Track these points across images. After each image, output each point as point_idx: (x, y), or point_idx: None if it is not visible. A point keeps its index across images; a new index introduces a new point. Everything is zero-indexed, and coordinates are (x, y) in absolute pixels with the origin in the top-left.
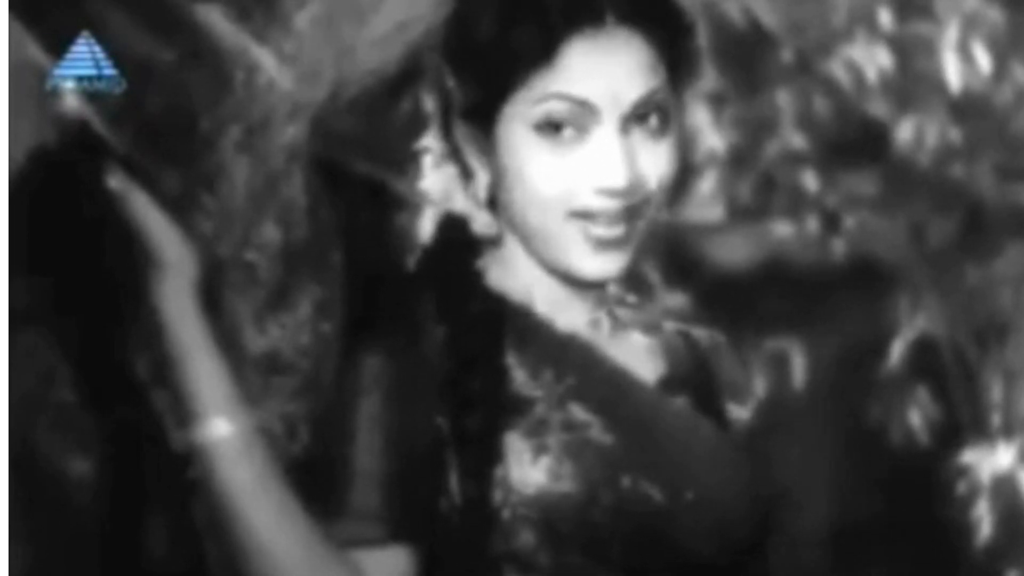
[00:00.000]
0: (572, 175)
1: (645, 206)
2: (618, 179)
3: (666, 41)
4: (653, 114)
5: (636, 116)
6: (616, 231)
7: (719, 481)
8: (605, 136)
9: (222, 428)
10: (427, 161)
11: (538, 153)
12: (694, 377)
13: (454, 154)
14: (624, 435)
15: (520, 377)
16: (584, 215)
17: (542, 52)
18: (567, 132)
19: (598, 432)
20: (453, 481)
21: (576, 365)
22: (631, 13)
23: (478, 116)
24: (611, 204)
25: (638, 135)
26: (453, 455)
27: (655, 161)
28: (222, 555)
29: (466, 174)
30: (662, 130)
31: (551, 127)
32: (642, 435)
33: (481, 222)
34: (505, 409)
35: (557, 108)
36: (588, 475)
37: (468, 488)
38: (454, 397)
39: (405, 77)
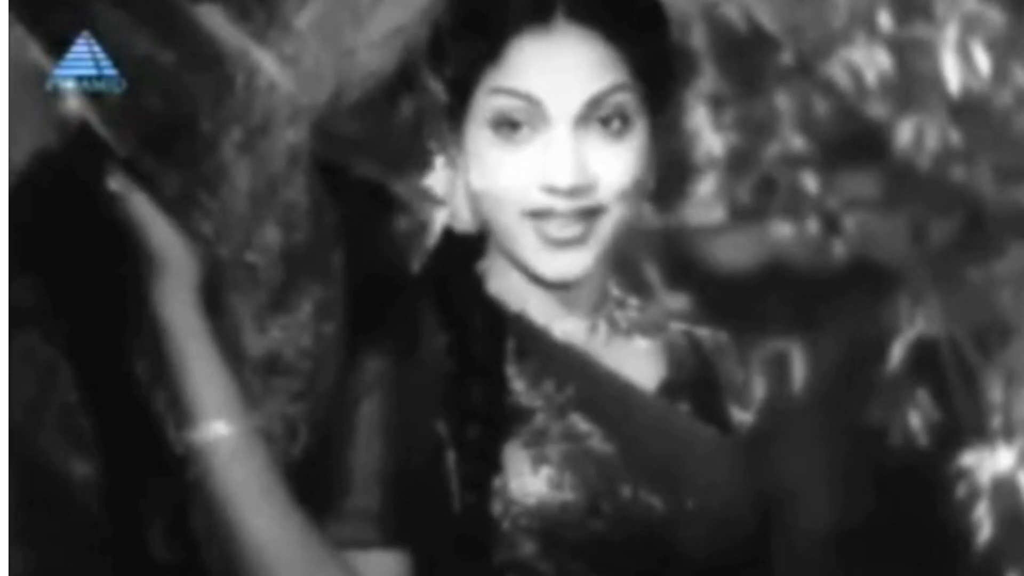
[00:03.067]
0: (523, 173)
1: (605, 208)
2: (564, 178)
3: (628, 40)
4: (615, 116)
5: (596, 117)
6: (570, 231)
7: (720, 488)
8: (555, 135)
9: (221, 430)
10: (439, 161)
11: (493, 150)
12: (696, 379)
13: (448, 156)
14: (624, 444)
15: (520, 387)
16: (537, 214)
17: (489, 48)
18: (523, 131)
19: (598, 442)
20: (453, 488)
21: (575, 374)
22: (584, 11)
23: (453, 117)
24: (561, 204)
25: (596, 136)
26: (453, 462)
27: (613, 163)
28: (221, 556)
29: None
30: (623, 132)
31: (507, 125)
32: (642, 444)
33: (462, 219)
34: (505, 419)
35: (505, 104)
36: (588, 485)
37: (467, 497)
38: (454, 404)
39: (402, 80)
